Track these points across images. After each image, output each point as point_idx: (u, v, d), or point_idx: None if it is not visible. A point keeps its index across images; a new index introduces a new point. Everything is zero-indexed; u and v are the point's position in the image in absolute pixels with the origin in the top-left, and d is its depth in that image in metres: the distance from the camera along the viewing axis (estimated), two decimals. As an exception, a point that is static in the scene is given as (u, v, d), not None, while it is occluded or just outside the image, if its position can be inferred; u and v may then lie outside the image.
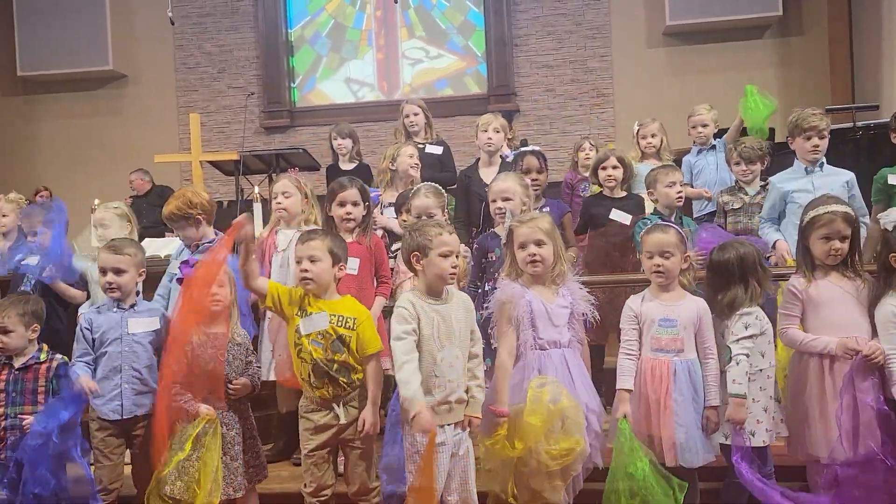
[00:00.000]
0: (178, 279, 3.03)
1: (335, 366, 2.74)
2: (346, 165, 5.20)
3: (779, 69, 8.26)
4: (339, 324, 2.77)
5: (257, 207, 4.55)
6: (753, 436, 2.74)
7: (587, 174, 4.68)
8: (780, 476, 2.84)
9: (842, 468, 2.67)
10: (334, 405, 2.76)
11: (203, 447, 2.77)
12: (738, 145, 4.19)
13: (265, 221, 4.20)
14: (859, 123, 5.25)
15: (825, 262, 2.84)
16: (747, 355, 2.75)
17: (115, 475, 2.98)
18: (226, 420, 2.89)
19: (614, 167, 4.18)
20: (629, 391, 2.78)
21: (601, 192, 4.31)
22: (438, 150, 5.05)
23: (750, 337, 2.76)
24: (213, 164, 6.72)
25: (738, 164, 4.13)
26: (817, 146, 3.71)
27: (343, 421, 2.76)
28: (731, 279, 2.84)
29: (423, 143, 4.96)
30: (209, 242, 3.48)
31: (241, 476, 2.89)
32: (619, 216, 4.05)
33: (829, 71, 8.14)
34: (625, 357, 2.83)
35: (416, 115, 5.09)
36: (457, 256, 2.72)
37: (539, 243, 2.80)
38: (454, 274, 2.72)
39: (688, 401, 2.73)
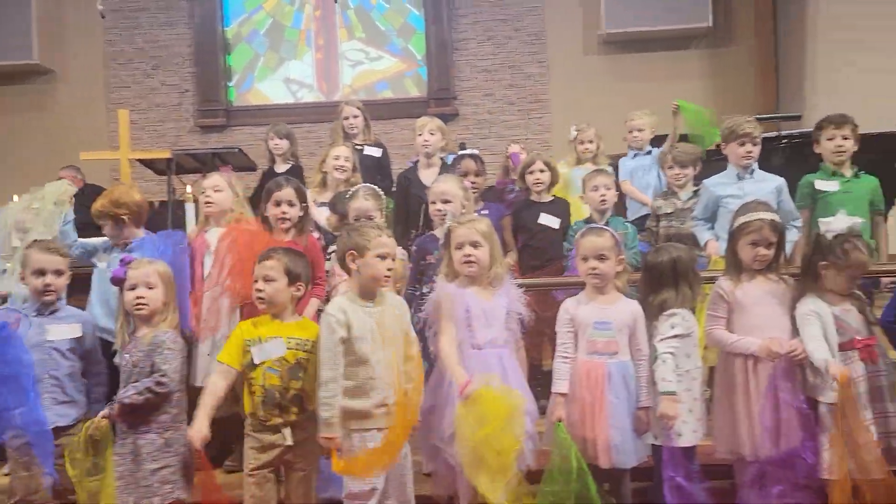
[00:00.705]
0: (112, 278, 2.89)
1: (290, 394, 2.67)
2: (280, 167, 5.10)
3: (708, 79, 8.51)
4: (297, 347, 2.71)
5: (190, 208, 4.42)
6: (680, 436, 2.79)
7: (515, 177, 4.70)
8: (709, 474, 2.88)
9: (765, 466, 2.75)
10: (282, 428, 2.69)
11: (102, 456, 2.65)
12: (673, 150, 4.29)
13: (198, 220, 4.08)
14: (783, 132, 5.44)
15: (752, 266, 2.91)
16: (673, 354, 2.79)
17: (32, 487, 2.82)
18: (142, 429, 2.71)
19: (541, 171, 4.21)
20: (564, 395, 2.79)
21: (529, 196, 4.32)
22: (377, 152, 5.01)
23: (675, 336, 2.80)
24: (145, 162, 6.48)
25: (671, 168, 4.22)
26: (750, 152, 3.82)
27: (289, 443, 2.68)
28: (663, 282, 2.88)
29: (361, 145, 4.91)
30: (139, 241, 3.38)
31: (147, 486, 2.66)
32: (548, 220, 4.09)
33: (754, 81, 8.43)
34: (560, 360, 2.84)
35: (355, 117, 5.04)
36: (393, 260, 2.70)
37: (475, 244, 2.80)
38: (389, 277, 2.69)
39: (622, 402, 2.76)
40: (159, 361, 2.70)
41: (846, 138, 3.76)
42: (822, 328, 2.78)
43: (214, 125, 8.78)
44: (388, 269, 2.67)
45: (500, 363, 2.76)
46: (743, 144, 3.82)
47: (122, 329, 2.82)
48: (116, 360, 3.18)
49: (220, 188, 3.52)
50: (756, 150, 3.84)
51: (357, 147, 4.74)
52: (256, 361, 2.68)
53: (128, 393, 2.67)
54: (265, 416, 2.67)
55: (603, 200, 3.90)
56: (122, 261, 2.86)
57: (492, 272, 2.84)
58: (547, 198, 4.25)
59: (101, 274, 3.43)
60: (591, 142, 4.89)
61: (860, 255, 2.80)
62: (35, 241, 3.16)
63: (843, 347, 2.79)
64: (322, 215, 4.10)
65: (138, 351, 2.75)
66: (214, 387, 2.68)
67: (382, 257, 2.66)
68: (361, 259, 2.65)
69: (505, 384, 2.66)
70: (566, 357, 2.83)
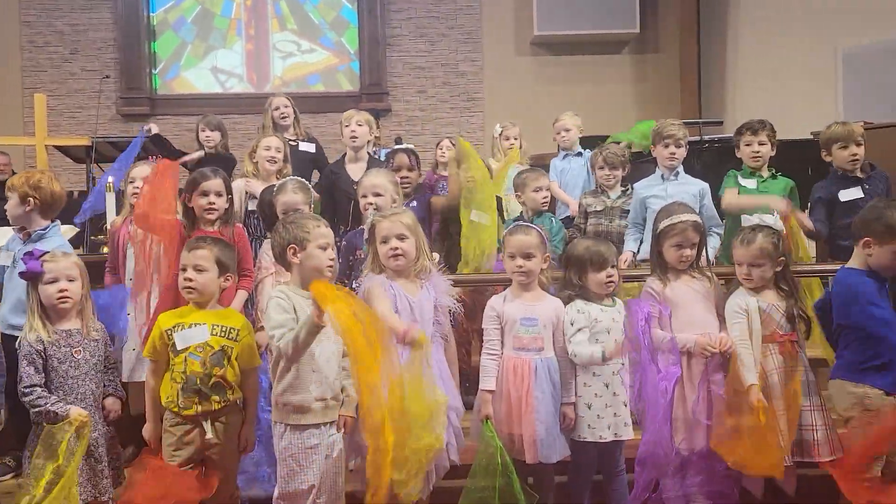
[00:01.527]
0: (21, 273, 2.74)
1: (211, 381, 2.61)
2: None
3: (634, 84, 8.75)
4: (222, 334, 2.67)
5: (110, 198, 4.23)
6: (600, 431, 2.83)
7: (445, 173, 4.70)
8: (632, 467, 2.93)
9: (690, 456, 2.83)
10: (202, 420, 2.62)
11: (72, 454, 2.52)
12: (604, 150, 4.36)
13: (118, 212, 3.93)
14: (705, 137, 5.61)
15: (677, 266, 3.00)
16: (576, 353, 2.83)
17: None
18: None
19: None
20: (491, 391, 2.80)
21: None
22: (311, 147, 4.92)
23: (579, 331, 2.85)
24: (62, 149, 6.21)
25: (601, 168, 4.29)
26: (674, 154, 3.95)
27: (209, 436, 2.62)
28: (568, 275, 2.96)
29: (294, 140, 4.81)
30: (42, 230, 3.22)
31: (106, 479, 2.68)
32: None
33: (679, 87, 8.69)
34: (487, 357, 2.85)
35: (286, 106, 4.94)
36: (333, 250, 2.66)
37: (401, 237, 2.77)
38: (331, 266, 2.64)
39: (548, 398, 2.78)
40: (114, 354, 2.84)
41: (762, 144, 3.91)
42: (748, 325, 2.87)
43: (137, 113, 8.46)
44: (331, 259, 2.63)
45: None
46: (667, 146, 3.95)
47: (41, 324, 2.68)
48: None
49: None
50: (680, 152, 3.98)
51: (290, 142, 4.63)
52: (179, 347, 2.63)
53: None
54: (185, 403, 2.61)
55: (545, 201, 4.00)
56: (30, 254, 2.72)
57: (418, 265, 2.82)
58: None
59: (6, 270, 3.27)
60: (515, 139, 4.98)
61: (762, 242, 2.89)
62: None
63: (764, 340, 2.89)
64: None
65: (89, 344, 2.73)
66: (150, 385, 2.72)
67: (323, 248, 2.62)
68: (303, 252, 2.60)
69: (431, 379, 2.61)
70: (493, 354, 2.84)
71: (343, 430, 2.63)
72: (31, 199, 3.19)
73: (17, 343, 2.69)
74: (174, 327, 2.66)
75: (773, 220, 2.97)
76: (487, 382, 2.81)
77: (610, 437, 2.83)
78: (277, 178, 3.97)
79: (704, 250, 3.07)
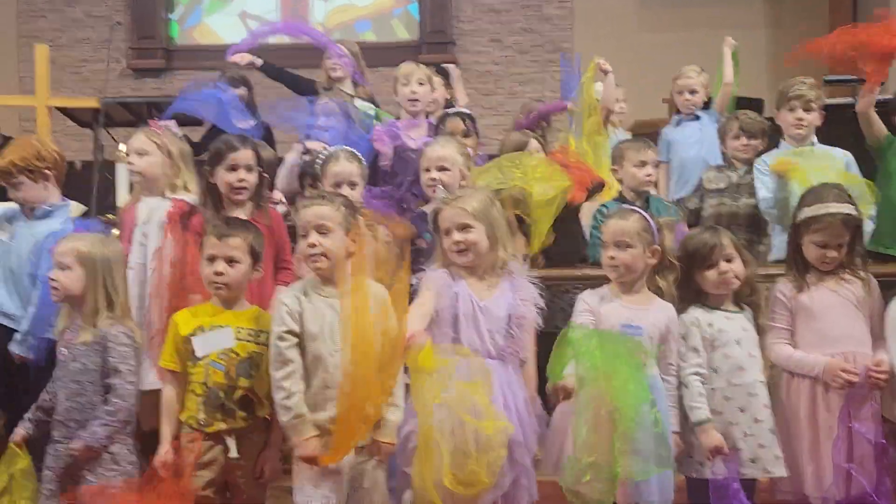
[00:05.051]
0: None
1: (237, 395, 2.70)
2: (240, 123, 5.09)
3: (770, 29, 8.53)
4: (250, 338, 2.74)
5: (122, 169, 4.41)
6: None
7: None
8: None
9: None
10: (225, 437, 2.72)
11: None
12: (741, 115, 4.30)
13: (132, 188, 4.09)
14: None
15: (819, 268, 2.96)
16: (697, 374, 2.84)
17: None
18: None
19: (537, 151, 4.24)
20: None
21: None
22: (370, 109, 4.98)
23: (698, 351, 2.86)
24: (66, 111, 6.48)
25: (737, 137, 4.20)
26: (801, 119, 3.87)
27: (233, 454, 2.71)
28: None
29: (351, 96, 4.87)
30: (50, 206, 3.41)
31: None
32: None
33: (827, 33, 8.43)
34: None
35: (339, 56, 4.99)
36: None
37: (465, 228, 2.78)
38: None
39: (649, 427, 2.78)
40: (114, 361, 2.79)
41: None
42: None
43: (151, 67, 8.79)
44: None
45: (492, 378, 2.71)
46: (793, 110, 3.88)
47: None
48: (13, 348, 3.31)
49: (146, 151, 3.49)
50: (810, 118, 3.89)
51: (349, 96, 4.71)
52: (199, 354, 2.71)
53: (97, 434, 2.74)
54: (206, 420, 2.70)
55: (649, 179, 3.95)
56: None
57: (491, 258, 2.82)
58: None
59: (3, 246, 3.45)
60: (623, 102, 4.95)
61: None
62: None
63: None
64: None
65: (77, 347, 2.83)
66: (168, 399, 2.76)
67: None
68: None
69: (493, 403, 2.61)
70: None
71: (378, 458, 2.69)
72: (43, 170, 3.38)
73: None
74: (194, 331, 2.74)
75: None
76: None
77: (756, 472, 2.83)
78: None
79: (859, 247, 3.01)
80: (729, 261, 2.91)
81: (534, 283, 2.89)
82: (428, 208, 3.37)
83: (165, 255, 3.13)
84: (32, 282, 3.30)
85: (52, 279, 2.87)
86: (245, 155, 3.30)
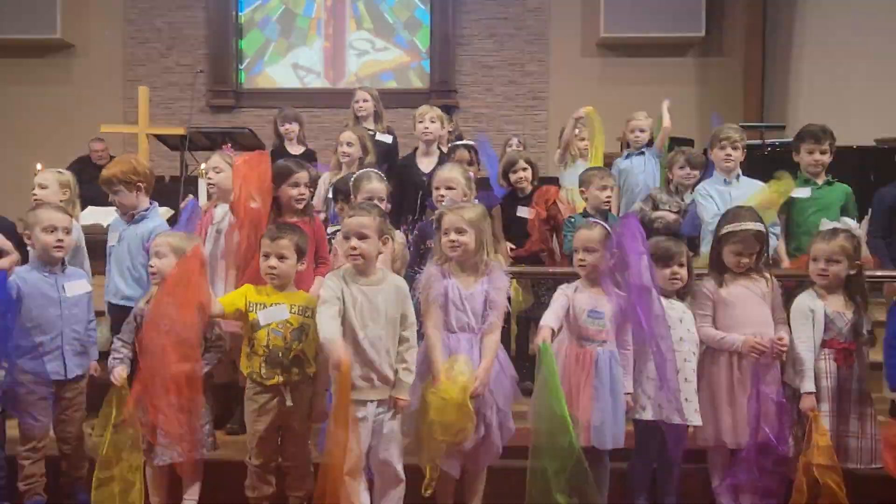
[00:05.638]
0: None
1: (292, 354, 2.73)
2: (293, 149, 5.09)
3: (698, 87, 8.53)
4: (300, 313, 2.77)
5: (202, 183, 4.41)
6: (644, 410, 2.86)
7: None
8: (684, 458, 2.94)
9: (740, 452, 2.84)
10: (282, 389, 2.73)
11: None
12: (686, 150, 4.27)
13: (209, 196, 4.09)
14: (767, 141, 5.47)
15: (734, 270, 2.97)
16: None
17: (44, 434, 2.89)
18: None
19: (524, 169, 4.22)
20: (552, 329, 2.77)
21: (514, 193, 4.29)
22: (388, 139, 4.97)
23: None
24: (159, 138, 6.49)
25: (682, 168, 4.15)
26: (730, 155, 3.84)
27: (289, 404, 2.73)
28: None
29: (372, 130, 4.88)
30: (144, 211, 3.41)
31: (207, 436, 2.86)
32: (524, 212, 4.12)
33: (742, 91, 8.45)
34: (551, 313, 2.83)
35: (365, 101, 4.99)
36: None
37: (460, 230, 2.79)
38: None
39: (606, 388, 2.78)
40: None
41: (823, 153, 3.76)
42: (812, 326, 2.86)
43: (224, 105, 8.77)
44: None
45: (470, 346, 2.77)
46: (723, 148, 3.84)
47: None
48: None
49: (220, 168, 3.56)
50: (736, 155, 3.85)
51: (369, 131, 4.70)
52: (262, 323, 2.74)
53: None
54: (267, 374, 2.72)
55: (608, 201, 3.91)
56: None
57: (477, 258, 2.82)
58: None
59: (114, 249, 3.44)
60: (584, 140, 5.02)
61: (843, 241, 2.87)
62: (41, 202, 3.27)
63: (823, 344, 2.87)
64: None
65: None
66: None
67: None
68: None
69: (472, 365, 2.69)
70: (557, 315, 2.82)
71: (395, 411, 2.71)
72: (136, 182, 3.37)
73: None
74: (257, 304, 2.76)
75: (854, 225, 2.91)
76: (550, 321, 2.79)
77: (678, 419, 2.82)
78: (352, 169, 4.04)
79: (765, 255, 3.02)
80: (681, 265, 2.93)
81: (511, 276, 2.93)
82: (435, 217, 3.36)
83: (235, 237, 3.20)
84: (146, 269, 3.28)
85: (151, 266, 2.89)
86: (304, 175, 3.32)
